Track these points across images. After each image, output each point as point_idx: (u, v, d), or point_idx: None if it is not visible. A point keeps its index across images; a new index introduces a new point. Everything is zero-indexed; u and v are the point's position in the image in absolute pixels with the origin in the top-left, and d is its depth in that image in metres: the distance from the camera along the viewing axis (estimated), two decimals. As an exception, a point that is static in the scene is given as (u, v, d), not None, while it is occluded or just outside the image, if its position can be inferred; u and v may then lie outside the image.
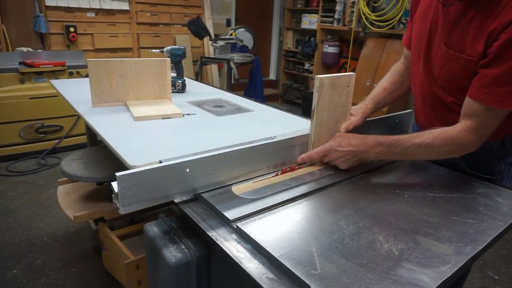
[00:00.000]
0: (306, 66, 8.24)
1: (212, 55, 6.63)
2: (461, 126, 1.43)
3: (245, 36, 6.70)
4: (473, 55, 1.39)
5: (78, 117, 4.45)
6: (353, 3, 6.41)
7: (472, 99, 1.40)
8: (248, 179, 1.45)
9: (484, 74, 1.36)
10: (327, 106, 1.55)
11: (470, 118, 1.41)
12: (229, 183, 1.40)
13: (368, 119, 1.84)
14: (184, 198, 1.31)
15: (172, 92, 2.53)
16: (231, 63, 6.00)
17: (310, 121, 1.55)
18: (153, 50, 3.08)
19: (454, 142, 1.42)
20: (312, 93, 1.52)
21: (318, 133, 1.57)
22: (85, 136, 4.18)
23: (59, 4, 5.60)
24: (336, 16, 6.99)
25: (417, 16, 1.69)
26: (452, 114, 1.56)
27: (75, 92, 2.50)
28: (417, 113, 1.81)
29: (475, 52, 1.38)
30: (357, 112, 1.74)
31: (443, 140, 1.42)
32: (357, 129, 1.68)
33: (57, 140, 5.00)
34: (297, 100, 8.23)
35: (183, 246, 1.22)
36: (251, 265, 1.01)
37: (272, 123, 2.09)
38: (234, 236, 1.13)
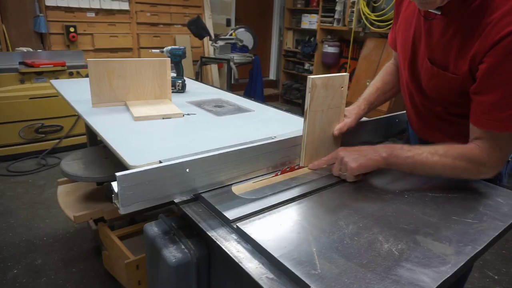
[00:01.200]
0: (306, 66, 8.25)
1: (212, 55, 6.63)
2: (475, 144, 1.37)
3: (245, 36, 6.70)
4: (457, 73, 1.37)
5: (78, 117, 4.45)
6: (353, 3, 6.41)
7: (475, 126, 1.36)
8: (248, 179, 1.45)
9: (480, 101, 1.33)
10: (320, 107, 1.53)
11: (479, 140, 1.36)
12: (229, 183, 1.40)
13: (368, 118, 1.84)
14: (184, 198, 1.31)
15: (172, 92, 2.54)
16: (231, 63, 6.00)
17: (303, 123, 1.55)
18: (153, 50, 3.08)
19: (470, 159, 1.35)
20: (312, 94, 1.51)
21: (311, 134, 1.56)
22: (85, 136, 4.19)
23: (59, 4, 5.61)
24: (336, 16, 6.99)
25: (401, 23, 1.67)
26: (443, 121, 1.57)
27: (75, 92, 2.50)
28: (410, 120, 1.81)
29: (459, 71, 1.36)
30: (350, 114, 1.70)
31: (458, 154, 1.37)
32: (350, 131, 1.67)
33: (57, 140, 5.00)
34: (297, 100, 8.23)
35: (183, 246, 1.22)
36: (251, 265, 1.01)
37: (272, 123, 2.09)
38: (234, 236, 1.13)
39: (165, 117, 2.07)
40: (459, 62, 1.36)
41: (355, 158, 1.44)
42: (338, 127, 1.63)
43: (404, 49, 1.63)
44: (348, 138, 1.73)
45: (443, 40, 1.41)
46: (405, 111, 1.97)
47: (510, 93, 1.25)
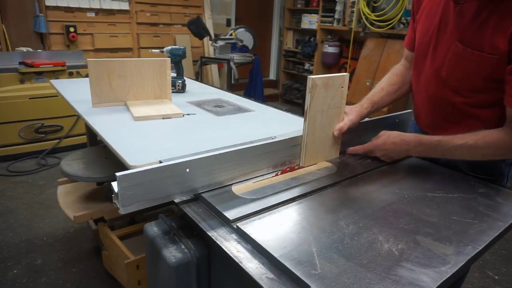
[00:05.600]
0: (306, 66, 8.24)
1: (212, 55, 6.62)
2: (508, 128, 1.40)
3: (245, 36, 6.70)
4: (494, 53, 1.37)
5: (78, 117, 4.45)
6: (353, 3, 6.41)
7: (510, 108, 1.39)
8: (248, 179, 1.45)
9: None
10: (320, 107, 1.53)
11: None
12: (229, 183, 1.40)
13: (368, 119, 1.84)
14: (184, 198, 1.31)
15: (172, 92, 2.54)
16: (231, 63, 6.00)
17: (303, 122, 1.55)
18: (153, 50, 3.08)
19: (499, 145, 1.39)
20: (312, 93, 1.51)
21: (311, 134, 1.56)
22: (85, 136, 4.19)
23: (59, 4, 5.60)
24: (336, 16, 6.99)
25: (421, 16, 1.67)
26: (461, 115, 1.55)
27: (75, 92, 2.50)
28: (419, 114, 1.79)
29: (496, 50, 1.36)
30: (351, 111, 1.70)
31: (488, 143, 1.40)
32: (352, 130, 1.68)
33: (57, 140, 5.00)
34: (297, 100, 8.23)
35: (183, 246, 1.22)
36: (251, 265, 1.01)
37: (272, 123, 2.09)
38: (234, 236, 1.13)
39: (165, 117, 2.07)
40: (497, 40, 1.35)
41: (389, 157, 1.65)
42: (338, 127, 1.63)
43: (425, 39, 1.63)
44: (348, 138, 1.73)
45: (477, 20, 1.41)
46: (406, 111, 1.96)
47: None
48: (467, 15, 1.44)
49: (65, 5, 5.66)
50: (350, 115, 1.67)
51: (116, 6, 6.12)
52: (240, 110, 2.34)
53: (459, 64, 1.49)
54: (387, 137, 1.64)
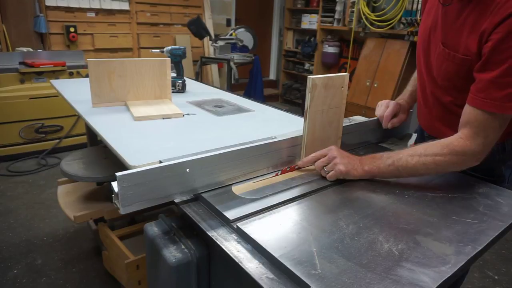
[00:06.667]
0: (306, 66, 8.24)
1: (212, 55, 6.63)
2: (457, 134, 1.40)
3: (245, 36, 6.70)
4: (467, 55, 1.38)
5: (78, 117, 4.45)
6: (353, 3, 6.41)
7: (469, 106, 1.37)
8: (248, 179, 1.45)
9: (480, 78, 1.34)
10: (320, 107, 1.53)
11: (467, 125, 1.37)
12: (229, 183, 1.40)
13: (366, 119, 1.85)
14: (184, 198, 1.31)
15: (172, 92, 2.54)
16: (231, 63, 6.00)
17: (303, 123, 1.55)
18: (153, 50, 3.08)
19: (450, 150, 1.37)
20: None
21: (311, 134, 1.56)
22: (85, 136, 4.18)
23: (59, 4, 5.60)
24: (336, 16, 6.98)
25: (423, 16, 1.69)
26: (451, 114, 1.57)
27: (75, 92, 2.51)
28: (419, 114, 1.81)
29: (469, 52, 1.37)
30: (404, 110, 1.86)
31: (438, 149, 1.39)
32: (351, 131, 1.70)
33: (57, 140, 5.00)
34: (297, 100, 8.23)
35: (183, 246, 1.22)
36: (251, 265, 1.02)
37: (272, 123, 2.09)
38: (234, 236, 1.14)
39: (165, 117, 2.07)
40: (469, 42, 1.37)
41: (346, 163, 1.47)
42: (394, 121, 1.81)
43: (422, 39, 1.65)
44: (348, 138, 1.73)
45: (457, 22, 1.43)
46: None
47: (510, 72, 1.26)
48: (450, 17, 1.46)
49: (65, 5, 5.66)
50: (403, 113, 1.86)
51: (116, 6, 6.12)
52: (240, 110, 2.34)
53: (442, 64, 1.51)
54: (339, 150, 1.54)
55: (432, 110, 1.67)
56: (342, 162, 1.46)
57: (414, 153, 1.41)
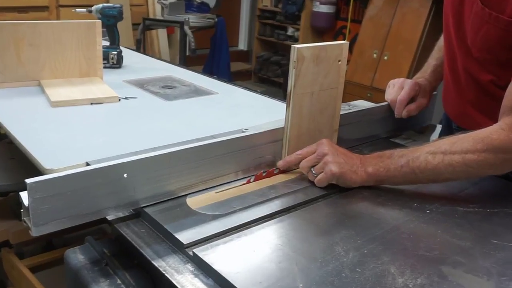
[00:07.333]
0: (290, 31, 8.26)
1: (159, 16, 6.60)
2: (497, 125, 1.35)
3: (205, -10, 6.71)
4: None
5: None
6: None
7: None
8: (210, 188, 1.45)
9: None
10: (309, 88, 1.53)
11: (508, 115, 1.34)
12: (183, 194, 1.39)
13: (374, 104, 1.85)
14: (121, 215, 1.30)
15: (104, 67, 2.51)
16: (186, 28, 5.98)
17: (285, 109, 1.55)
18: (77, 10, 3.04)
19: (487, 146, 1.31)
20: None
21: (297, 126, 1.55)
22: (-18, 128, 4.13)
23: None
24: (330, -37, 7.03)
25: None
26: (490, 99, 1.55)
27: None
28: (446, 98, 1.81)
29: None
30: (425, 93, 1.81)
31: (470, 144, 1.33)
32: (351, 122, 1.70)
33: None
34: (277, 78, 8.26)
35: (119, 281, 1.21)
36: (214, 306, 1.01)
37: (242, 111, 2.10)
38: (189, 266, 1.13)
39: (94, 102, 2.06)
40: None
41: (341, 163, 1.44)
42: (410, 108, 1.75)
43: None
44: (348, 131, 1.74)
45: None
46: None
47: None
48: None
49: None
50: (424, 96, 1.81)
51: None
52: (198, 92, 2.34)
53: (480, 29, 1.49)
54: (331, 143, 1.54)
55: (465, 92, 1.67)
56: (335, 161, 1.43)
57: (437, 150, 1.37)
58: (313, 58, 1.48)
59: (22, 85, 2.23)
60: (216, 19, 6.52)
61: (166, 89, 2.34)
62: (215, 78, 2.62)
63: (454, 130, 1.76)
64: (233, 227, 1.25)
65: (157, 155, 1.30)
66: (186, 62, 6.01)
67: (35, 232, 1.15)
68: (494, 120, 1.40)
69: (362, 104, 2.04)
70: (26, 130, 1.70)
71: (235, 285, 1.03)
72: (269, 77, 8.50)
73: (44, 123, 1.79)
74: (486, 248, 1.21)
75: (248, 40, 9.49)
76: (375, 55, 6.14)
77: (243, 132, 1.60)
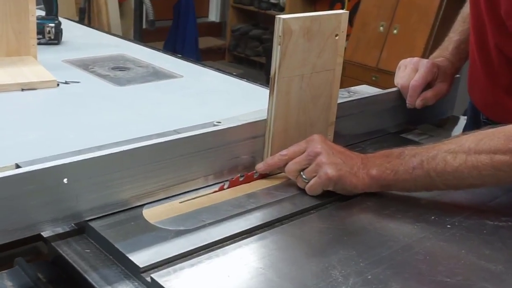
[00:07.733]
0: (273, -2, 8.30)
1: (108, -21, 6.60)
2: None
3: None
4: None
5: None
6: None
7: None
8: (172, 196, 1.45)
9: None
10: (299, 70, 1.53)
11: None
12: (139, 204, 1.39)
13: (381, 91, 1.86)
14: (60, 230, 1.30)
15: (39, 43, 2.51)
16: (142, -6, 5.99)
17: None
18: (4, -30, 3.04)
19: None
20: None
21: (283, 117, 1.55)
22: None
23: None
24: None
25: None
26: None
27: None
28: (472, 83, 1.81)
29: None
30: (446, 76, 1.78)
31: (501, 141, 1.32)
32: (352, 112, 1.70)
33: None
34: (257, 58, 8.27)
35: (57, 315, 1.21)
36: None
37: (214, 98, 2.10)
38: (147, 296, 1.13)
39: (26, 87, 2.05)
40: None
41: (337, 163, 1.43)
42: (427, 95, 1.71)
43: None
44: (347, 124, 1.74)
45: None
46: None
47: None
48: None
49: None
50: (444, 80, 1.78)
51: None
52: (157, 75, 2.34)
53: None
54: (327, 142, 1.53)
55: (497, 76, 1.67)
56: (331, 161, 1.42)
57: (459, 149, 1.35)
58: (304, 32, 1.48)
59: None
60: (181, -18, 6.54)
61: (117, 71, 2.33)
62: (179, 58, 2.62)
63: (482, 123, 1.76)
64: (202, 246, 1.24)
65: (105, 155, 1.29)
66: (142, 37, 6.02)
67: (-52, 253, 1.14)
68: None
69: (365, 90, 2.04)
70: None
71: (205, 320, 1.03)
72: (247, 56, 8.51)
73: (-38, 114, 1.78)
74: (521, 272, 1.22)
75: (221, 9, 9.50)
76: (381, 28, 6.14)
77: (215, 125, 1.60)
